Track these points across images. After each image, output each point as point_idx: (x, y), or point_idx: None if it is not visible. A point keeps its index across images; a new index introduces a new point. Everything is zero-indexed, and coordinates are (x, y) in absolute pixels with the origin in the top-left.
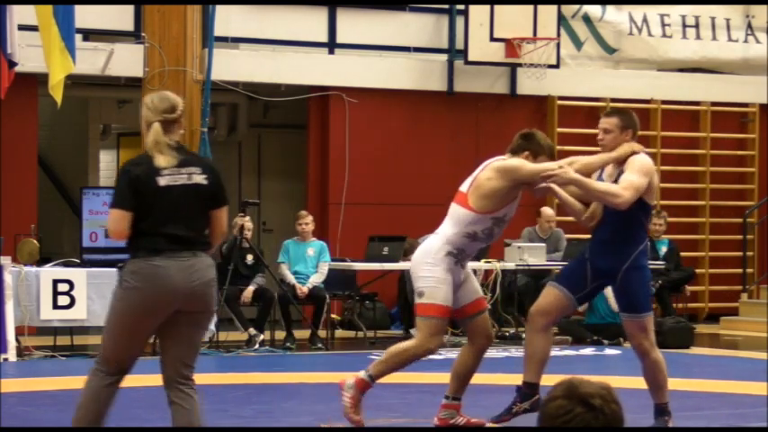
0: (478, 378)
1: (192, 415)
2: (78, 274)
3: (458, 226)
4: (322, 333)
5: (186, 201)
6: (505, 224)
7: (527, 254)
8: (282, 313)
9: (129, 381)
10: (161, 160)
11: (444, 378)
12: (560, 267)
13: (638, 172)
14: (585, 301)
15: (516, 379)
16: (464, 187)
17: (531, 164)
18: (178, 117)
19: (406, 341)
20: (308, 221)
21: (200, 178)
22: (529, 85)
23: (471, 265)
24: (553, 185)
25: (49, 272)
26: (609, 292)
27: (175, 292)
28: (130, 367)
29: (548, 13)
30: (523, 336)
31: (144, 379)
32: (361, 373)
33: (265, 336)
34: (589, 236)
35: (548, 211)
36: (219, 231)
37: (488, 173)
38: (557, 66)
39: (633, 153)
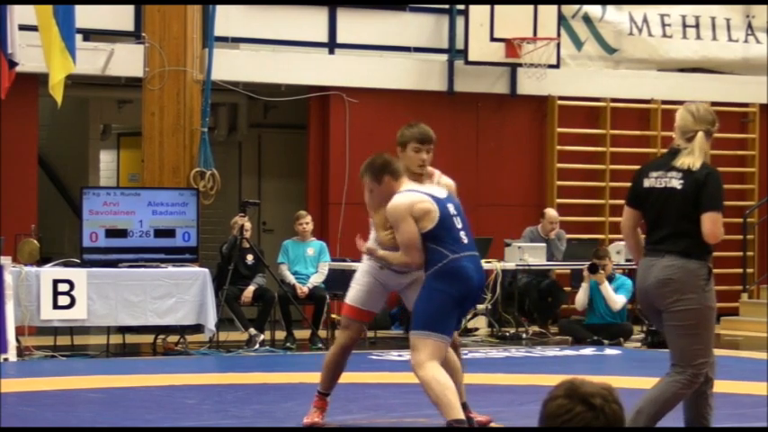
0: (478, 378)
1: None
2: (78, 274)
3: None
4: (322, 333)
5: None
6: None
7: (527, 254)
8: (282, 313)
9: (130, 381)
10: None
11: None
12: (561, 268)
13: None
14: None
15: (516, 379)
16: None
17: (380, 222)
18: None
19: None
20: (307, 221)
21: None
22: (529, 85)
23: None
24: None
25: (50, 272)
26: (608, 291)
27: None
28: None
29: (548, 13)
30: (524, 336)
31: (144, 379)
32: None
33: (265, 336)
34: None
35: (552, 212)
36: None
37: None
38: (557, 66)
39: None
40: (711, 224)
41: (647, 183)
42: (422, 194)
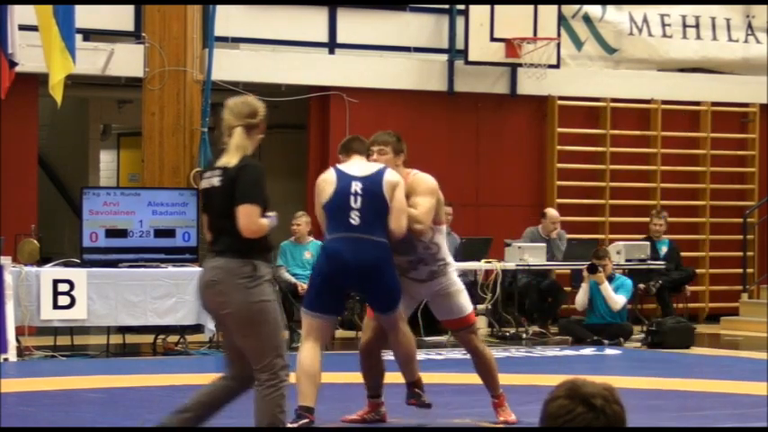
0: (479, 378)
1: None
2: (78, 274)
3: None
4: None
5: None
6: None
7: (527, 254)
8: (286, 313)
9: (130, 381)
10: None
11: (444, 378)
12: (561, 268)
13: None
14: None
15: (516, 379)
16: None
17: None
18: None
19: None
20: (299, 222)
21: None
22: (529, 85)
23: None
24: None
25: (50, 272)
26: (608, 291)
27: None
28: None
29: (548, 13)
30: (524, 336)
31: (144, 379)
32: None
33: None
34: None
35: (553, 212)
36: None
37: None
38: (557, 66)
39: None
40: (243, 217)
41: (203, 184)
42: (332, 171)
